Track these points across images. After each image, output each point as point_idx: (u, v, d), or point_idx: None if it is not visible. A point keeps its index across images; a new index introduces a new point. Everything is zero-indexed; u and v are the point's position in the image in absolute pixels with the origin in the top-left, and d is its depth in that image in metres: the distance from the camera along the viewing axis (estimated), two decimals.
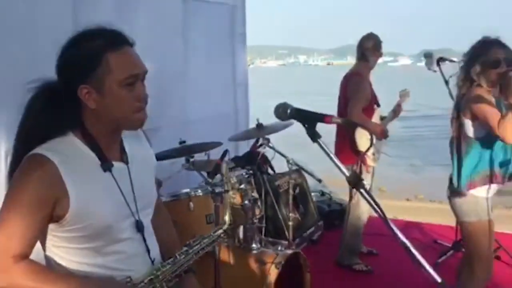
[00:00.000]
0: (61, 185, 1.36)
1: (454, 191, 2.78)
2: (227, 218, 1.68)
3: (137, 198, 1.52)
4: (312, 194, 4.90)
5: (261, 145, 3.86)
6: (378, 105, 3.96)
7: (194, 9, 4.53)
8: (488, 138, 2.60)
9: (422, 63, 4.17)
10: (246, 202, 2.84)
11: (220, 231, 1.66)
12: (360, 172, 3.74)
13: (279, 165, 4.18)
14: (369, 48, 3.86)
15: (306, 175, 4.53)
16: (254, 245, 2.80)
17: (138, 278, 1.46)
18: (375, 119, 3.89)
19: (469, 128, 2.65)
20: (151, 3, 3.81)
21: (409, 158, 11.40)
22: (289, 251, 2.78)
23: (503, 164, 2.65)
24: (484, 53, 2.62)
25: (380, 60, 4.03)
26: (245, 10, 5.83)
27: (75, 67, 1.40)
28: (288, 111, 1.54)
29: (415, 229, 4.81)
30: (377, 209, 1.49)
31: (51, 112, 1.42)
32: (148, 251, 1.54)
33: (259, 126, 3.64)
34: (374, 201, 1.50)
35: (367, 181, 3.77)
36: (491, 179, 2.65)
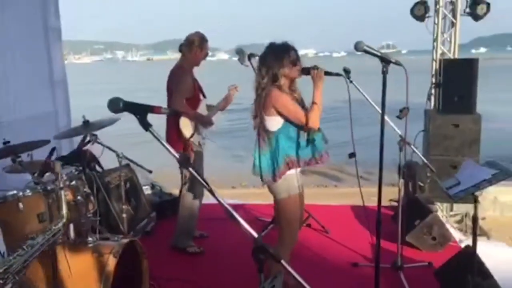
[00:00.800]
0: None
1: (267, 179, 3.03)
2: (64, 212, 1.78)
3: None
4: (144, 188, 5.01)
5: (88, 141, 3.83)
6: (204, 96, 4.26)
7: None
8: (288, 130, 2.98)
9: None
10: (79, 197, 2.86)
11: (60, 224, 1.76)
12: None
13: (111, 162, 4.19)
14: (193, 44, 4.11)
15: (136, 169, 4.61)
16: (90, 239, 2.83)
17: None
18: (202, 109, 4.17)
19: (270, 123, 2.98)
20: None
21: (233, 149, 12.13)
22: (125, 240, 2.87)
23: (304, 149, 3.03)
24: (286, 55, 2.98)
25: None
26: (58, 3, 5.58)
27: None
28: (121, 104, 1.70)
29: (240, 209, 5.27)
30: (205, 184, 1.75)
31: None
32: None
33: (86, 123, 3.62)
34: (203, 178, 1.75)
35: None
36: (295, 163, 3.01)
